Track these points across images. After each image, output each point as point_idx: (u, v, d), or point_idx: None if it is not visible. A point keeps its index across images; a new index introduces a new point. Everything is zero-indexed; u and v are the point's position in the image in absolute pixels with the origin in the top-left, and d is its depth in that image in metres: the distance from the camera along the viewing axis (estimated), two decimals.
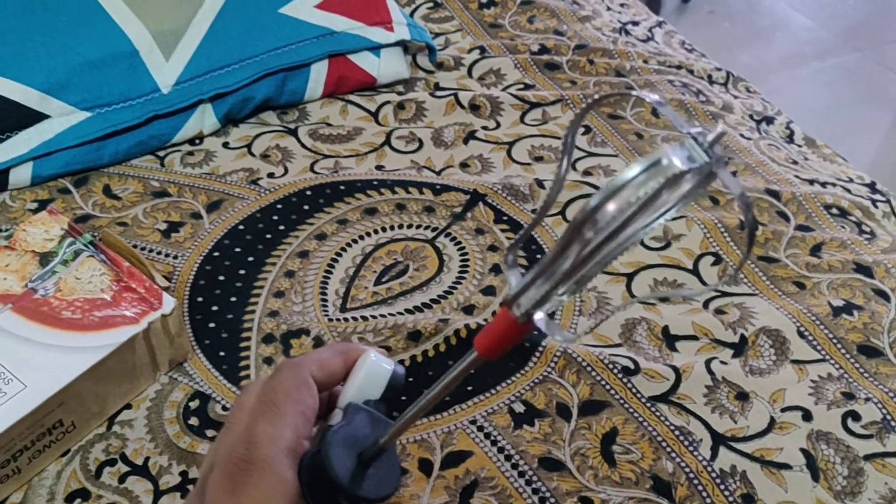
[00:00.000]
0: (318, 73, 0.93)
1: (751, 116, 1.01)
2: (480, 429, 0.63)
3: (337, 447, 0.40)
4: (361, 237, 0.79)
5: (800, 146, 0.98)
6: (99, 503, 0.58)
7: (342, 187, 0.83)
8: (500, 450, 0.61)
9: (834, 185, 0.89)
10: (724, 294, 0.75)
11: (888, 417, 0.65)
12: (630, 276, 0.76)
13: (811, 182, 0.89)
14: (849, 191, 0.88)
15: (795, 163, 0.93)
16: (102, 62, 0.83)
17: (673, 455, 0.62)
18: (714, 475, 0.60)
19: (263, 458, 0.38)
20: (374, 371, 0.44)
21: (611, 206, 0.31)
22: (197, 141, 0.89)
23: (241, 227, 0.79)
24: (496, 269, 0.76)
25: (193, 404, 0.64)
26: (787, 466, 0.61)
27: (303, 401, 0.41)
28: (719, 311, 0.73)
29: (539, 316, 0.35)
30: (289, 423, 0.39)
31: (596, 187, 0.84)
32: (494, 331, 0.37)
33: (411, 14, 1.11)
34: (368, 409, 0.43)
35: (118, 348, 0.61)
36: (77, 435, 0.61)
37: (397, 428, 0.41)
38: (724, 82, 1.08)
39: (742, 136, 0.95)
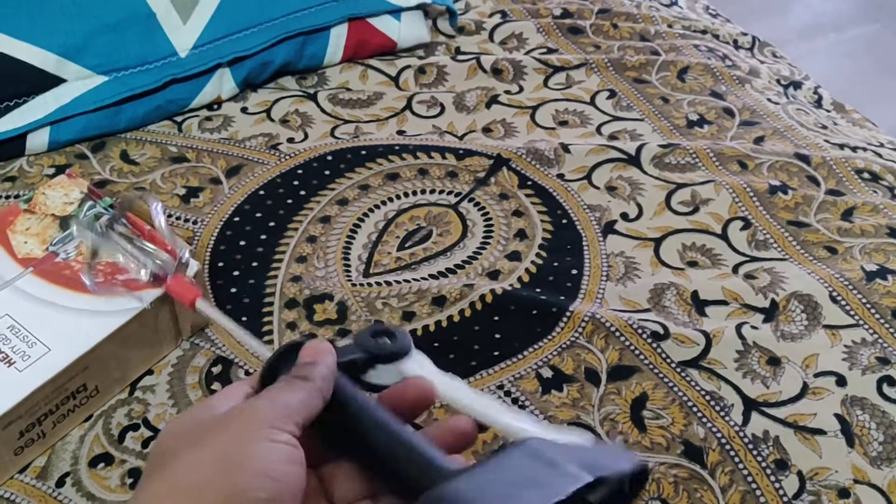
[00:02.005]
0: (338, 37, 0.91)
1: (778, 81, 0.98)
2: (508, 394, 0.62)
3: None
4: (384, 202, 0.77)
5: (828, 111, 0.96)
6: (122, 468, 0.58)
7: (363, 152, 0.82)
8: (529, 415, 0.60)
9: (865, 149, 0.87)
10: (754, 259, 0.73)
11: None
12: (658, 241, 0.74)
13: (841, 146, 0.87)
14: (880, 155, 0.86)
15: (825, 127, 0.91)
16: (119, 25, 0.82)
17: (704, 420, 0.61)
18: (746, 440, 0.59)
19: None
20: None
21: None
22: (215, 106, 0.88)
23: (261, 192, 0.78)
24: (521, 235, 0.75)
25: (216, 369, 0.64)
26: (821, 432, 0.60)
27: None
28: (749, 276, 0.71)
29: None
30: None
31: (622, 151, 0.82)
32: None
33: None
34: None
35: (140, 312, 0.60)
36: (100, 400, 0.61)
37: None
38: (750, 47, 1.06)
39: (770, 100, 0.93)
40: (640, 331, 0.66)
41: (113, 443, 0.59)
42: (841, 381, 0.63)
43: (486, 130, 0.86)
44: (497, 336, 0.66)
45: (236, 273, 0.71)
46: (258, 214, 0.76)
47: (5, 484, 0.56)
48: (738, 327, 0.67)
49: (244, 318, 0.67)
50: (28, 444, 0.57)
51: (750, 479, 0.57)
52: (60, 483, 0.57)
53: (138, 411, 0.61)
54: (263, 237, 0.74)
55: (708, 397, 0.62)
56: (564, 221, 0.76)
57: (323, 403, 0.38)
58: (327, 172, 0.80)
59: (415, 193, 0.78)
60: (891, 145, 0.89)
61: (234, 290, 0.69)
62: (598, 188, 0.79)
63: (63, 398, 0.57)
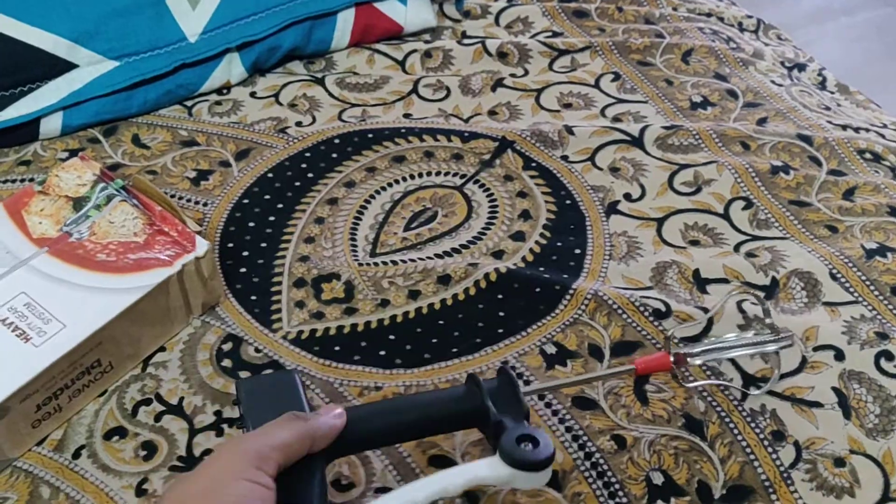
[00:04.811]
0: (345, 22, 0.92)
1: (782, 63, 0.99)
2: (512, 369, 0.63)
3: None
4: (390, 184, 0.79)
5: (832, 93, 0.97)
6: (136, 440, 0.59)
7: (370, 135, 0.83)
8: None
9: (867, 130, 0.87)
10: (756, 238, 0.74)
11: None
12: (660, 221, 0.75)
13: (844, 127, 0.87)
14: (883, 136, 0.87)
15: (828, 109, 0.92)
16: (129, 10, 0.83)
17: (704, 394, 0.62)
18: (745, 413, 0.60)
19: None
20: None
21: None
22: (224, 91, 0.89)
23: (269, 174, 0.79)
24: (525, 216, 0.76)
25: (227, 347, 0.65)
26: (818, 404, 0.61)
27: None
28: (750, 255, 0.72)
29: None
30: None
31: (626, 133, 0.83)
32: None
33: None
34: None
35: (153, 290, 0.62)
36: (114, 375, 0.62)
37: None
38: (755, 30, 1.06)
39: (773, 82, 0.94)
40: (642, 308, 0.67)
41: (127, 416, 0.61)
42: (839, 356, 0.64)
43: (492, 113, 0.87)
44: (501, 314, 0.68)
45: (246, 253, 0.72)
46: (267, 196, 0.77)
47: (24, 456, 0.58)
48: (740, 304, 0.68)
49: (253, 297, 0.69)
50: (45, 418, 0.58)
51: (748, 450, 0.58)
52: (76, 455, 0.58)
53: (151, 386, 0.63)
54: (272, 218, 0.75)
55: (708, 372, 0.63)
56: (568, 202, 0.77)
57: (307, 451, 0.46)
58: (335, 155, 0.81)
59: (421, 175, 0.80)
60: (894, 126, 0.90)
61: (243, 269, 0.71)
62: (601, 169, 0.80)
63: (78, 373, 0.59)
